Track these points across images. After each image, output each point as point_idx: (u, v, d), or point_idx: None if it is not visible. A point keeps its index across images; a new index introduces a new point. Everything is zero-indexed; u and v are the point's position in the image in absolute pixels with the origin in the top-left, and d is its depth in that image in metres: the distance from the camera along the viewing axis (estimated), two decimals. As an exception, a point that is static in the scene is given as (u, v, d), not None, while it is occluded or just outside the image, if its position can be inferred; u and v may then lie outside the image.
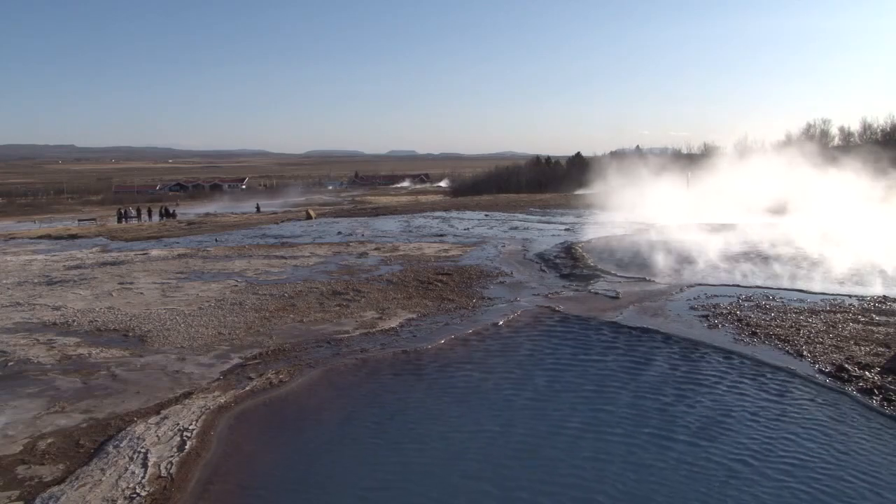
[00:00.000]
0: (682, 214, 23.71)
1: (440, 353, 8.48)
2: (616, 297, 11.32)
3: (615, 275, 13.52)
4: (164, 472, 5.37)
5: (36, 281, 14.42)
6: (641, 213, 25.63)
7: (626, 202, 27.96)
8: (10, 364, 8.26)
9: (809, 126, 62.44)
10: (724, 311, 10.14)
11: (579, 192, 53.16)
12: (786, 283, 12.38)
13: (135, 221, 41.70)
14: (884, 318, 9.56)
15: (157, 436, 6.03)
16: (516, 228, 23.20)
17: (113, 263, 16.85)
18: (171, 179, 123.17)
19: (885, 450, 5.68)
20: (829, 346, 8.32)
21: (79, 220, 43.53)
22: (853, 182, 23.23)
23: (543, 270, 14.38)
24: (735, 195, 25.42)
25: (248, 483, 5.37)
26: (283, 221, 30.34)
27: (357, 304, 11.36)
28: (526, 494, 5.15)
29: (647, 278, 13.04)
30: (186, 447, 5.80)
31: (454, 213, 30.43)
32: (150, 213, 45.27)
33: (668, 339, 8.85)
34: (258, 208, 51.13)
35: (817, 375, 7.35)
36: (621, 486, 5.18)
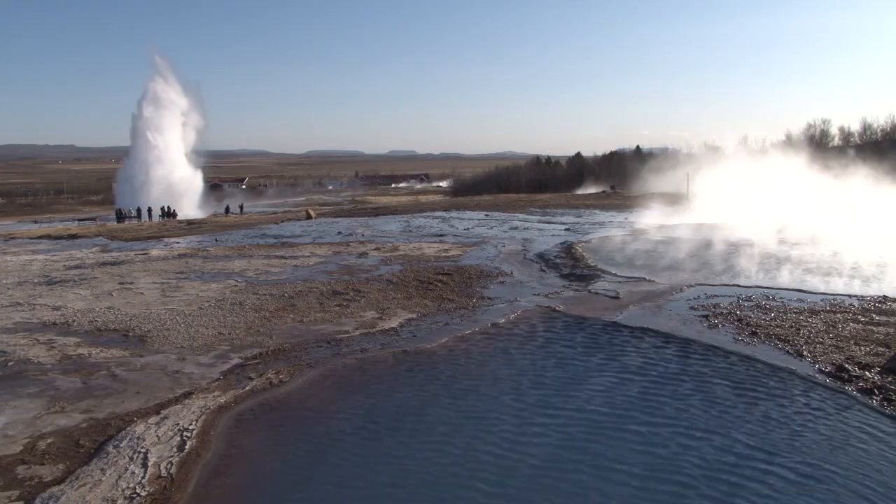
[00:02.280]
0: (687, 214, 23.72)
1: (440, 353, 8.48)
2: (616, 297, 11.31)
3: (615, 275, 13.51)
4: (164, 472, 5.37)
5: (36, 281, 14.42)
6: (646, 214, 25.65)
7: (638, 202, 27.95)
8: (10, 364, 8.26)
9: (809, 126, 62.53)
10: (724, 311, 10.14)
11: (579, 191, 53.15)
12: (786, 283, 12.38)
13: (135, 221, 41.69)
14: (884, 318, 9.56)
15: (157, 436, 6.03)
16: (516, 228, 23.20)
17: (113, 263, 16.85)
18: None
19: (885, 449, 5.67)
20: (829, 346, 8.32)
21: (78, 220, 43.55)
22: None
23: (543, 270, 14.38)
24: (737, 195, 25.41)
25: (248, 483, 5.37)
26: (283, 221, 30.34)
27: (357, 304, 11.36)
28: (529, 495, 5.15)
29: (647, 278, 13.04)
30: (186, 447, 5.79)
31: (454, 213, 30.43)
32: (150, 213, 45.19)
33: (668, 339, 8.84)
34: (232, 209, 46.91)
35: (817, 375, 7.35)
36: (629, 480, 5.18)
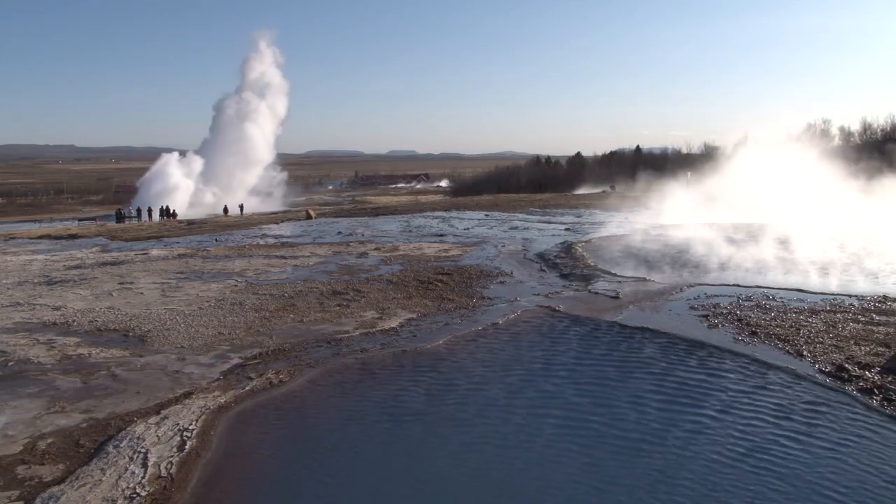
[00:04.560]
0: (687, 214, 23.71)
1: (440, 353, 8.48)
2: (616, 297, 11.31)
3: (615, 274, 13.52)
4: (164, 472, 5.37)
5: (36, 281, 14.42)
6: (645, 214, 25.62)
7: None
8: (10, 364, 8.26)
9: (809, 126, 62.48)
10: (724, 311, 10.14)
11: (579, 191, 53.12)
12: (786, 283, 12.39)
13: (135, 221, 41.70)
14: (884, 318, 9.56)
15: (157, 436, 6.03)
16: (516, 228, 23.20)
17: (113, 263, 16.85)
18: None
19: (884, 449, 5.67)
20: (829, 345, 8.32)
21: (78, 220, 43.57)
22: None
23: (543, 270, 14.38)
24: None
25: (247, 483, 5.37)
26: (282, 221, 30.34)
27: (357, 303, 11.36)
28: (528, 495, 5.15)
29: (647, 278, 13.05)
30: (186, 447, 5.80)
31: (454, 213, 30.43)
32: (150, 213, 45.18)
33: (668, 339, 8.84)
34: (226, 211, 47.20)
35: (817, 375, 7.35)
36: (623, 475, 5.19)
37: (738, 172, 28.69)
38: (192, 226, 29.95)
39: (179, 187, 53.58)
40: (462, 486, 5.29)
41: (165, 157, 57.52)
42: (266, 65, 59.40)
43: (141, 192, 54.69)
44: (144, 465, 5.46)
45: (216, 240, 22.54)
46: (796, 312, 9.99)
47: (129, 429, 6.22)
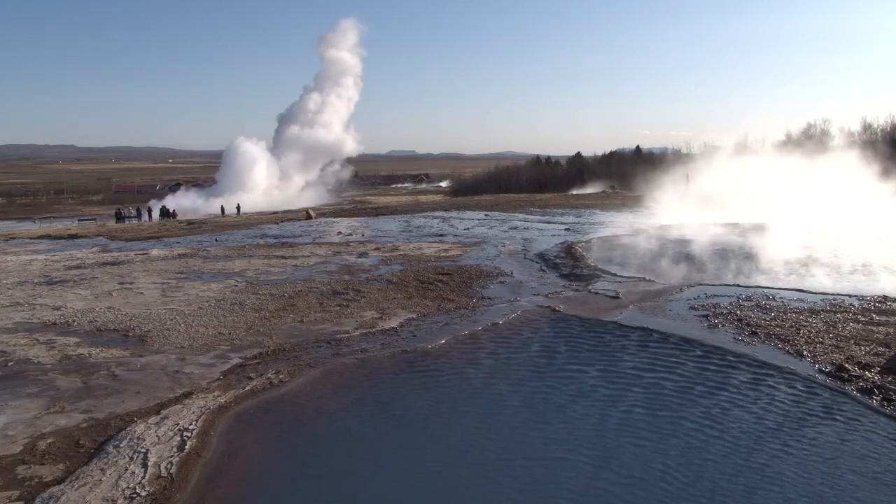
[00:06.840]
0: (687, 214, 23.71)
1: (440, 353, 8.48)
2: (616, 297, 11.31)
3: (615, 274, 13.51)
4: (164, 472, 5.37)
5: (36, 281, 14.41)
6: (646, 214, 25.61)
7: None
8: (10, 364, 8.25)
9: (810, 126, 62.45)
10: (724, 311, 10.13)
11: (579, 191, 53.06)
12: (786, 283, 12.38)
13: (135, 221, 41.74)
14: (884, 318, 9.56)
15: (157, 436, 6.03)
16: (516, 228, 23.20)
17: (113, 263, 16.85)
18: (171, 179, 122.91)
19: (884, 449, 5.67)
20: (830, 345, 8.32)
21: (79, 220, 43.60)
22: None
23: (543, 270, 14.38)
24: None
25: (247, 483, 5.37)
26: (282, 221, 30.34)
27: (357, 303, 11.35)
28: (528, 495, 5.15)
29: (648, 278, 13.04)
30: (186, 447, 5.80)
31: (454, 213, 30.43)
32: (150, 213, 45.20)
33: (668, 339, 8.84)
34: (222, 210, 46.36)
35: (817, 375, 7.35)
36: (624, 476, 5.18)
37: (737, 172, 28.68)
38: (192, 226, 29.94)
39: (261, 185, 52.48)
40: (461, 487, 5.29)
41: (248, 149, 55.85)
42: (349, 55, 58.01)
43: (222, 185, 53.09)
44: (144, 465, 5.47)
45: (216, 240, 22.54)
46: (796, 312, 9.99)
47: (129, 429, 6.22)
